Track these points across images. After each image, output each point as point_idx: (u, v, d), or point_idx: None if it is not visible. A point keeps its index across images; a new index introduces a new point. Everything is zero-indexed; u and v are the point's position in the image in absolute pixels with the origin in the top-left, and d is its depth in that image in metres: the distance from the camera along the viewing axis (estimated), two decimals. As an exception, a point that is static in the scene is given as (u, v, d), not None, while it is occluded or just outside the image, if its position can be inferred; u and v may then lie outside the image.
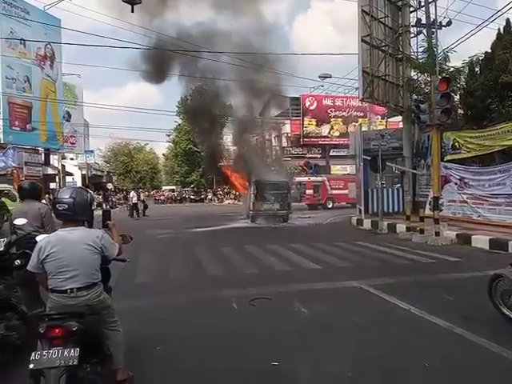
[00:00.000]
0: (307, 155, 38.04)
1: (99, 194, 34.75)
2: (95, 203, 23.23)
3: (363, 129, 22.28)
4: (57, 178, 31.64)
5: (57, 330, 2.53)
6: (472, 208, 12.12)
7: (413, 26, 16.29)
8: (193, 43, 17.96)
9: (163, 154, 64.20)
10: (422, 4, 16.29)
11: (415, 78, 15.33)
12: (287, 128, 39.42)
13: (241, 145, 23.41)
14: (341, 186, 27.18)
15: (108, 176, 49.78)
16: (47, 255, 2.80)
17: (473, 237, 10.03)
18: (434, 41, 14.35)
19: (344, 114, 38.83)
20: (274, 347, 3.96)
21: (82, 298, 2.82)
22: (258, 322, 4.74)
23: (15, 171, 25.59)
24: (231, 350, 3.92)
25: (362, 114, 37.53)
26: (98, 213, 3.61)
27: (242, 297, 5.67)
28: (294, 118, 38.19)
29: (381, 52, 15.49)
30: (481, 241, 9.70)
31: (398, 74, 16.22)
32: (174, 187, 53.59)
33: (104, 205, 31.41)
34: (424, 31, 16.11)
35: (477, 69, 13.91)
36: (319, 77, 26.15)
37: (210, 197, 45.01)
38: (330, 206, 27.31)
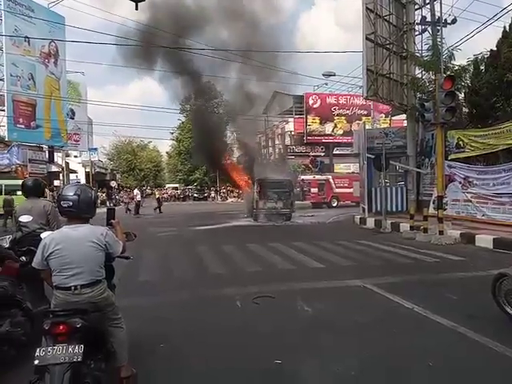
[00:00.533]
0: (310, 153, 37.98)
1: (103, 192, 34.85)
2: (99, 201, 23.61)
3: (367, 127, 22.21)
4: (61, 175, 31.78)
5: (61, 327, 2.54)
6: (476, 207, 12.07)
7: (417, 23, 16.19)
8: (196, 41, 17.97)
9: (167, 152, 64.31)
10: (427, 1, 16.20)
11: (420, 76, 15.25)
12: (291, 126, 39.35)
13: (244, 143, 23.40)
14: (346, 185, 27.11)
15: (112, 174, 49.94)
16: (51, 252, 2.81)
17: (477, 236, 9.99)
18: (438, 39, 14.24)
19: (348, 112, 38.72)
20: (277, 346, 3.96)
21: (86, 295, 2.83)
22: (262, 321, 4.74)
23: (19, 168, 25.74)
24: (234, 349, 3.93)
25: (365, 113, 37.42)
26: (102, 210, 3.62)
27: (246, 295, 5.68)
28: (298, 116, 38.11)
29: (385, 50, 15.42)
30: (485, 240, 9.66)
31: (403, 72, 16.13)
32: (177, 185, 53.67)
33: (108, 202, 31.53)
34: (429, 29, 16.01)
35: (482, 67, 13.81)
36: (323, 75, 26.07)
37: (213, 195, 45.07)
38: (334, 204, 27.28)
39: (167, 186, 57.71)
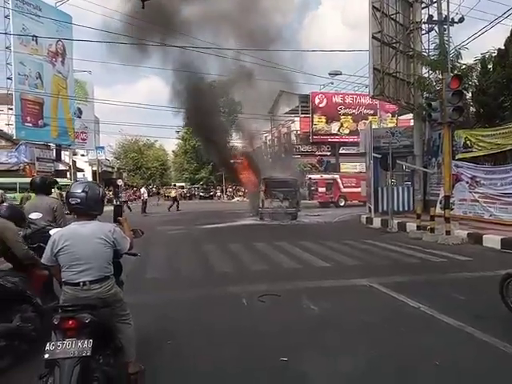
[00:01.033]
0: (316, 153, 37.91)
1: (110, 191, 35.05)
2: (106, 199, 23.83)
3: (374, 126, 22.06)
4: (68, 173, 32.00)
5: (70, 322, 2.57)
6: (483, 207, 11.98)
7: (424, 22, 16.09)
8: (203, 40, 18.00)
9: (173, 151, 64.46)
10: (434, 0, 16.09)
11: (426, 75, 15.16)
12: (296, 125, 39.29)
13: (250, 142, 23.41)
14: (353, 184, 27.07)
15: (118, 172, 50.22)
16: (60, 248, 2.85)
17: (484, 236, 9.93)
18: (445, 37, 14.15)
19: (354, 111, 38.59)
20: (283, 344, 3.97)
21: (94, 290, 2.86)
22: (267, 319, 4.76)
23: (27, 167, 25.97)
24: (240, 346, 3.95)
25: (372, 112, 37.26)
26: (109, 208, 3.65)
27: (252, 293, 5.69)
28: (304, 116, 38.05)
29: (392, 49, 15.35)
30: (492, 240, 9.59)
31: (409, 71, 16.04)
32: (183, 184, 53.76)
33: (114, 201, 31.70)
34: (436, 28, 15.91)
35: (489, 66, 13.70)
36: (329, 74, 26.03)
37: (219, 194, 45.12)
38: (342, 204, 27.26)
39: (173, 184, 57.77)
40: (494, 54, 13.57)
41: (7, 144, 26.99)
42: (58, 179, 20.51)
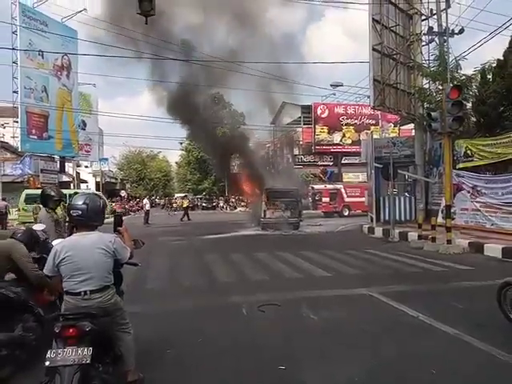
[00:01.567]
0: (319, 163, 38.03)
1: (113, 202, 35.23)
2: (109, 209, 23.86)
3: (375, 136, 22.14)
4: (72, 185, 32.23)
5: (71, 330, 2.64)
6: (485, 216, 11.99)
7: (424, 34, 16.29)
8: (204, 52, 18.26)
9: (176, 162, 64.83)
10: (434, 12, 16.29)
11: (427, 86, 15.31)
12: (299, 136, 39.50)
13: (252, 153, 23.53)
14: (357, 194, 27.13)
15: (121, 183, 50.53)
16: (62, 259, 2.93)
17: (485, 245, 9.93)
18: (445, 49, 14.31)
19: (356, 121, 38.80)
20: (282, 352, 4.01)
21: (95, 300, 2.93)
22: (267, 328, 4.80)
23: (32, 178, 26.23)
24: (239, 354, 3.99)
25: (374, 122, 37.42)
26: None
27: (252, 303, 5.74)
28: (306, 126, 38.27)
29: (392, 60, 15.54)
30: (493, 249, 9.59)
31: (410, 81, 16.21)
32: (186, 195, 53.93)
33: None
34: (436, 39, 16.09)
35: (489, 76, 13.82)
36: (331, 85, 26.26)
37: (221, 204, 45.19)
38: (346, 213, 27.27)
39: (176, 195, 57.99)
40: (493, 65, 13.69)
41: (12, 156, 27.31)
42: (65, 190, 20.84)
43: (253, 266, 8.98)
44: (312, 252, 10.56)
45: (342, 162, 38.18)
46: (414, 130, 18.68)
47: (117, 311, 3.14)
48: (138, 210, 34.98)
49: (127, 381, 3.19)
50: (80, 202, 3.04)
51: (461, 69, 13.82)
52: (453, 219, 11.47)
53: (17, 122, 26.16)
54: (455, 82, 12.75)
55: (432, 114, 11.23)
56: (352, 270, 8.26)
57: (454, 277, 7.57)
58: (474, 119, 14.59)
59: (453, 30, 16.14)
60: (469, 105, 14.34)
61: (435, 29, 16.41)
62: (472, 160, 13.19)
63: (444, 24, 15.74)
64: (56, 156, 29.85)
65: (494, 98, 13.00)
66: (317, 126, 38.05)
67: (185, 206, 27.70)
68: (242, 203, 41.32)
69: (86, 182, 39.57)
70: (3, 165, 24.87)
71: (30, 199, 19.03)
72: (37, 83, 26.68)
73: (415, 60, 16.05)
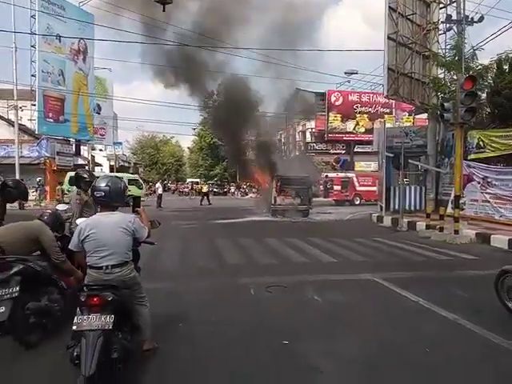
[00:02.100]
0: (331, 151, 37.94)
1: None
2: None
3: (390, 125, 22.00)
4: (86, 168, 32.81)
5: (95, 299, 2.94)
6: (494, 208, 12.04)
7: (442, 22, 16.07)
8: (219, 39, 18.31)
9: (188, 148, 65.27)
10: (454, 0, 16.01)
11: (442, 75, 15.18)
12: (312, 123, 39.37)
13: (264, 139, 23.58)
14: (369, 183, 27.19)
15: (135, 167, 51.12)
16: (86, 236, 3.22)
17: (492, 236, 10.03)
18: (462, 38, 14.15)
19: (370, 109, 38.47)
20: (287, 329, 4.29)
21: (115, 274, 3.22)
22: (273, 307, 5.09)
23: (48, 161, 26.83)
24: (246, 330, 4.28)
25: (388, 111, 37.12)
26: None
27: (260, 284, 6.02)
28: (319, 114, 38.07)
29: (407, 49, 15.40)
30: (500, 240, 9.70)
31: (425, 71, 16.08)
32: (197, 180, 54.42)
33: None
34: (454, 27, 15.86)
35: (505, 67, 13.65)
36: (345, 73, 26.07)
37: (233, 190, 45.54)
38: (357, 202, 27.37)
39: (188, 180, 58.50)
40: (510, 55, 13.52)
41: (30, 138, 27.83)
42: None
43: (262, 250, 9.26)
44: (320, 239, 10.78)
45: (355, 150, 38.01)
46: (427, 120, 18.57)
47: (135, 285, 3.43)
48: (150, 194, 35.47)
49: (143, 349, 3.52)
50: (103, 184, 3.31)
51: (477, 59, 13.67)
52: (462, 209, 11.54)
53: (34, 105, 26.57)
54: (471, 72, 12.66)
55: (445, 104, 11.23)
56: (358, 257, 8.47)
57: (458, 266, 7.74)
58: (488, 110, 14.48)
59: (472, 18, 15.89)
60: (483, 95, 14.23)
61: (454, 17, 16.18)
62: (484, 151, 13.17)
63: (462, 12, 15.53)
64: (72, 139, 30.36)
65: (509, 89, 12.89)
66: (330, 114, 37.84)
67: (204, 190, 28.88)
68: (254, 189, 41.58)
69: (100, 165, 40.19)
70: (21, 147, 25.42)
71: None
72: (54, 67, 26.99)
73: (431, 49, 15.89)
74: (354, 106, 38.40)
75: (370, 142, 31.57)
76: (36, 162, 26.60)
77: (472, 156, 13.40)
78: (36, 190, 23.52)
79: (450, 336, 4.17)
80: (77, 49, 28.79)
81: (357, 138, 38.07)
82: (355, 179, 28.12)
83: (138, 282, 3.50)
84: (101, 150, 43.28)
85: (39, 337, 3.84)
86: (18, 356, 3.62)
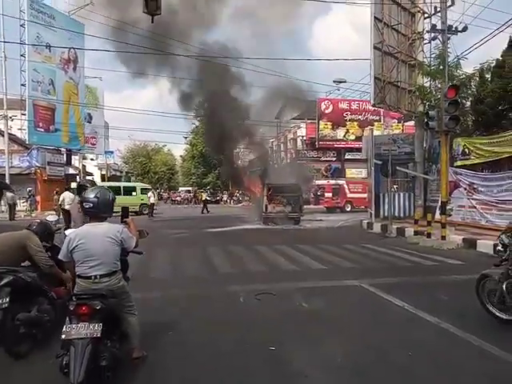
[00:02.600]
0: (322, 158, 38.25)
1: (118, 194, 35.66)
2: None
3: (379, 133, 22.28)
4: (77, 177, 32.67)
5: (84, 308, 3.01)
6: (480, 213, 12.27)
7: (427, 31, 16.44)
8: (208, 49, 18.52)
9: (180, 156, 65.32)
10: (438, 9, 16.38)
11: (427, 84, 15.50)
12: (302, 131, 39.70)
13: (255, 148, 23.77)
14: (359, 190, 27.43)
15: (127, 176, 50.97)
16: (75, 246, 3.30)
17: (478, 241, 10.23)
18: (445, 47, 14.48)
19: (360, 117, 38.90)
20: (274, 335, 4.37)
21: (104, 283, 3.30)
22: (261, 314, 5.17)
23: (38, 171, 26.71)
24: (234, 337, 4.36)
25: (378, 118, 37.54)
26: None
27: (249, 291, 6.11)
28: (310, 121, 38.42)
29: (393, 58, 15.72)
30: (486, 245, 9.88)
31: (411, 79, 16.40)
32: (190, 188, 54.41)
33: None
34: (439, 37, 16.22)
35: (487, 75, 14.02)
36: (334, 81, 26.47)
37: (225, 198, 45.59)
38: (348, 209, 27.60)
39: (180, 189, 58.45)
40: (492, 64, 13.88)
41: (20, 148, 27.72)
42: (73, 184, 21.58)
43: (252, 258, 9.34)
44: (310, 246, 10.89)
45: (345, 157, 38.36)
46: (414, 127, 18.88)
47: (123, 294, 3.51)
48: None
49: (132, 357, 3.59)
50: (92, 196, 3.40)
51: (460, 68, 14.00)
52: (449, 215, 11.77)
53: (24, 114, 26.50)
54: (455, 81, 12.98)
55: (430, 112, 11.48)
56: (347, 264, 8.60)
57: (443, 271, 7.90)
58: (473, 118, 14.81)
59: (456, 28, 16.28)
60: (468, 103, 14.56)
61: (438, 26, 16.55)
62: (469, 158, 13.45)
63: (448, 22, 15.88)
64: (62, 149, 30.27)
65: (491, 97, 13.23)
66: (321, 122, 38.19)
67: (203, 199, 29.21)
68: (246, 197, 41.68)
69: (91, 174, 40.02)
70: (11, 157, 25.30)
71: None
72: (44, 76, 27.01)
73: (416, 58, 16.23)
74: (344, 114, 38.80)
75: (360, 149, 31.78)
76: (26, 171, 26.49)
77: (458, 163, 13.67)
78: (26, 201, 23.41)
79: (433, 340, 4.29)
80: (67, 58, 28.86)
81: (347, 146, 38.42)
82: (346, 186, 28.38)
83: (127, 291, 3.57)
84: (92, 159, 43.15)
85: (29, 347, 3.88)
86: (8, 366, 3.66)
